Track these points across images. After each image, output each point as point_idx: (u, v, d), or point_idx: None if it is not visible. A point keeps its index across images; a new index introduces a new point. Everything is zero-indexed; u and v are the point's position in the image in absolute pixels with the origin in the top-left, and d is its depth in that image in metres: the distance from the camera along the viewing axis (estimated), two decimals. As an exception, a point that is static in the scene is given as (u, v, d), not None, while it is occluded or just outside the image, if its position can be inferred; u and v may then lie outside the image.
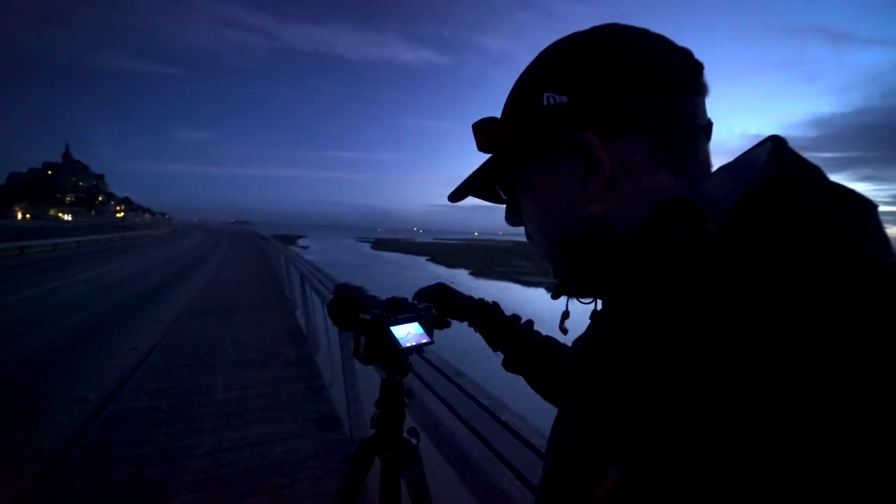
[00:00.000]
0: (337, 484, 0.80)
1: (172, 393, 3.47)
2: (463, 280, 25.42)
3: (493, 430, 0.94)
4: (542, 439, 0.89)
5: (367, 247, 61.11)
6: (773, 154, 0.33)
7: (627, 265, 0.33)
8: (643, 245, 0.32)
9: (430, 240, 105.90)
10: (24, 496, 2.15)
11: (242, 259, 16.06)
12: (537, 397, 0.68)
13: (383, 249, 54.76)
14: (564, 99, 0.36)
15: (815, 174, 0.31)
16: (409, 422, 0.75)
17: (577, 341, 0.44)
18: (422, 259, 40.52)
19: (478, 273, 27.96)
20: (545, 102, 0.37)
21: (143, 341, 4.97)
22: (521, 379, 0.69)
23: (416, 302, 0.70)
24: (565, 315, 0.47)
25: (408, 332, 0.66)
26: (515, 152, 0.40)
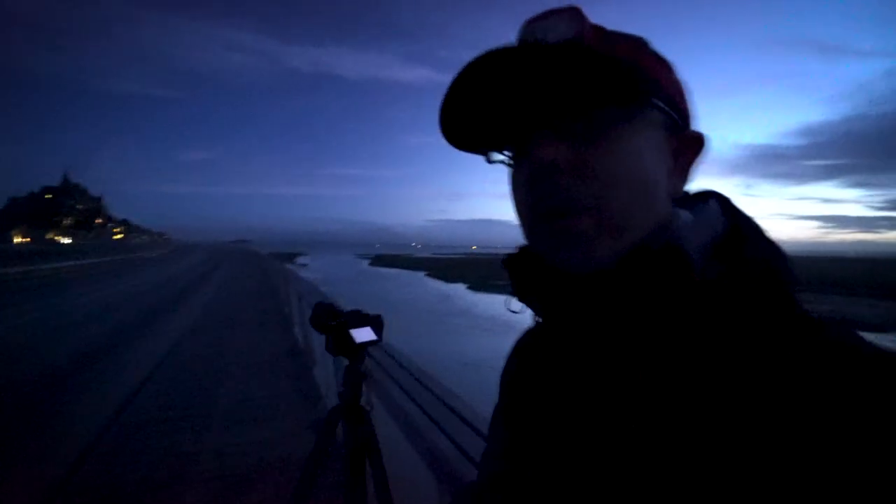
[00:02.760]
0: (329, 479, 1.11)
1: (179, 402, 3.75)
2: (461, 295, 25.59)
3: (438, 407, 1.25)
4: (473, 414, 1.20)
5: (365, 263, 61.39)
6: (723, 209, 0.37)
7: (628, 295, 0.33)
8: (642, 276, 0.32)
9: (428, 255, 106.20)
10: (54, 490, 2.43)
11: (240, 277, 16.32)
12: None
13: (382, 265, 55.04)
14: (681, 89, 0.38)
15: (757, 230, 0.36)
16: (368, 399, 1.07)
17: (527, 353, 0.45)
18: (420, 274, 40.77)
19: (476, 287, 28.01)
20: (673, 78, 0.37)
21: (146, 359, 5.24)
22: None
23: (368, 313, 1.03)
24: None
25: (361, 333, 0.99)
26: (650, 86, 0.34)
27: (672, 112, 0.36)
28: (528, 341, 0.47)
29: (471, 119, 0.37)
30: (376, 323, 1.05)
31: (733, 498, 0.26)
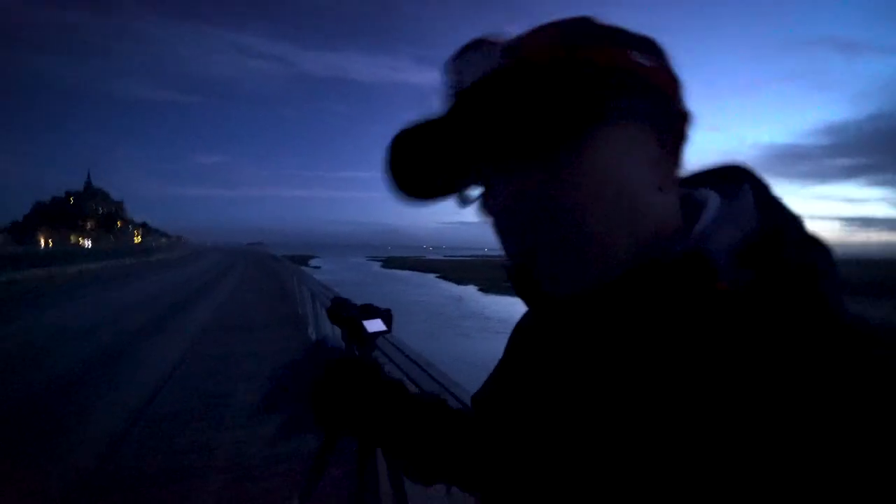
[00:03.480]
0: (339, 470, 1.22)
1: (199, 398, 3.93)
2: (472, 296, 25.64)
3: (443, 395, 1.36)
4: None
5: (377, 265, 61.67)
6: (759, 202, 0.33)
7: (634, 300, 0.30)
8: (659, 286, 0.29)
9: (439, 257, 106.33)
10: (87, 477, 2.60)
11: (256, 278, 16.63)
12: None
13: (394, 267, 55.27)
14: (652, 64, 0.31)
15: (798, 228, 0.32)
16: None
17: (528, 336, 0.44)
18: (431, 276, 40.86)
19: (487, 289, 28.01)
20: (633, 58, 0.31)
21: (171, 354, 5.46)
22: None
23: (379, 307, 1.15)
24: None
25: (373, 324, 1.11)
26: (599, 95, 0.30)
27: (632, 100, 0.31)
28: (526, 323, 0.47)
29: (420, 179, 0.37)
30: (386, 316, 1.17)
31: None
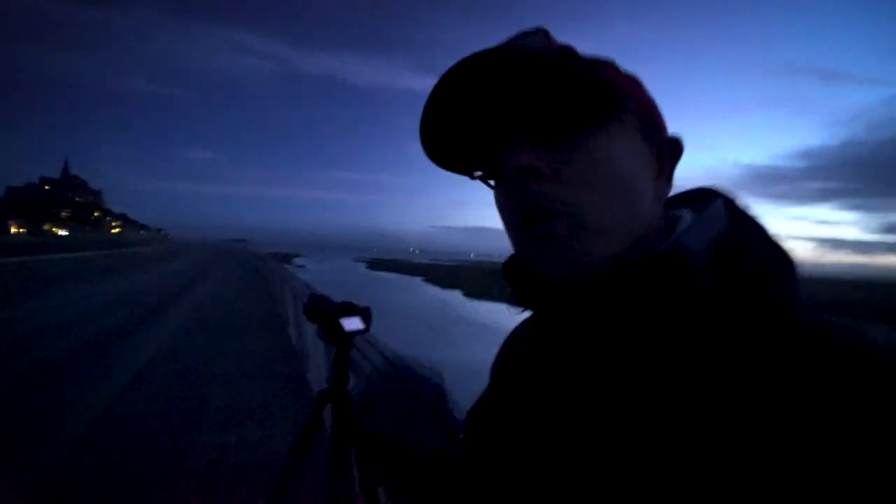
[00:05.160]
0: (320, 477, 1.17)
1: (174, 400, 3.79)
2: (457, 302, 25.57)
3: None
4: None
5: (363, 267, 61.33)
6: (728, 210, 0.37)
7: (621, 296, 0.33)
8: (640, 281, 0.32)
9: (426, 261, 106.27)
10: (55, 473, 2.46)
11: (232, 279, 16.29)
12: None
13: (379, 269, 55.03)
14: (651, 101, 0.38)
15: (761, 232, 0.35)
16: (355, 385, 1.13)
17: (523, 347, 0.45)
18: (417, 279, 40.78)
19: (472, 295, 27.97)
20: (642, 91, 0.38)
21: (142, 353, 5.27)
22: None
23: (358, 305, 1.10)
24: None
25: (350, 323, 1.06)
26: (610, 100, 0.35)
27: (645, 121, 0.37)
28: (524, 331, 0.48)
29: (451, 130, 0.38)
30: (365, 314, 1.12)
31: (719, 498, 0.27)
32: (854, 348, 0.27)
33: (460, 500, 0.47)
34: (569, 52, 0.36)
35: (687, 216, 0.38)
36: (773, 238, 0.35)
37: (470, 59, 0.34)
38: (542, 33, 0.36)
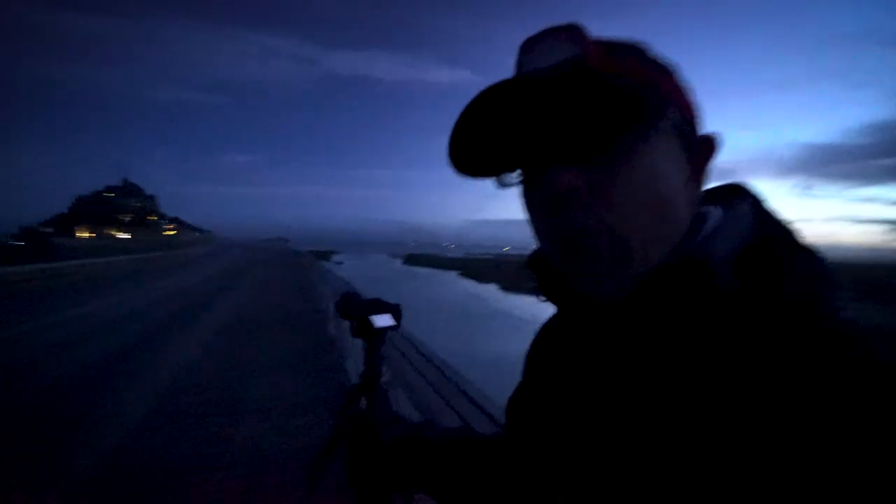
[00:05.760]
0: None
1: (218, 389, 4.01)
2: (493, 295, 25.55)
3: (452, 392, 1.31)
4: (491, 404, 1.25)
5: (398, 262, 62.32)
6: (755, 214, 0.36)
7: (653, 301, 0.33)
8: (664, 286, 0.32)
9: (460, 255, 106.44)
10: (114, 458, 2.67)
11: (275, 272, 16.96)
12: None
13: (415, 265, 55.67)
14: (689, 96, 0.37)
15: (789, 237, 0.35)
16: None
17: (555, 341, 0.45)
18: (453, 274, 40.98)
19: (508, 288, 27.85)
20: (678, 82, 0.36)
21: (193, 346, 5.59)
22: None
23: (388, 302, 1.10)
24: None
25: (381, 319, 1.06)
26: (660, 101, 0.33)
27: (680, 117, 0.35)
28: (554, 327, 0.48)
29: (479, 152, 0.36)
30: (395, 311, 1.11)
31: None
32: (869, 361, 0.27)
33: (508, 483, 0.48)
34: (600, 52, 0.33)
35: (713, 216, 0.37)
36: (803, 243, 0.35)
37: (492, 90, 0.33)
38: (572, 31, 0.33)
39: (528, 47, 0.34)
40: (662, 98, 0.34)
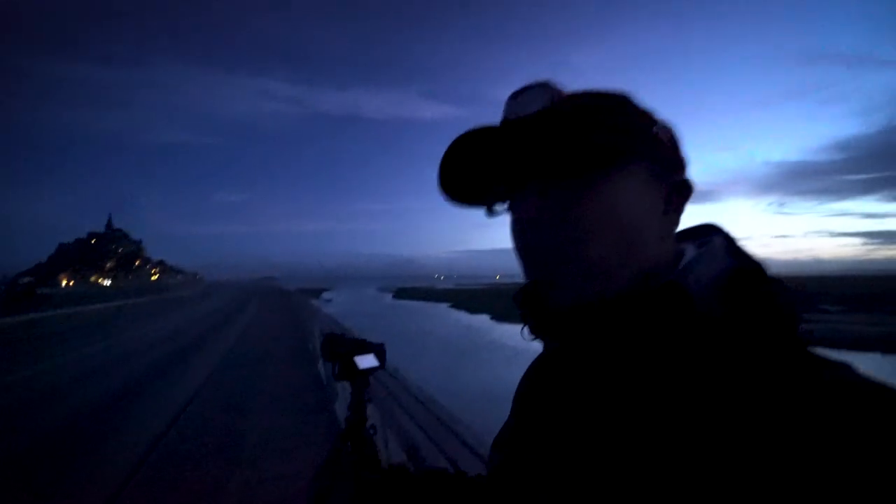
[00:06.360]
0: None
1: (214, 432, 3.89)
2: (484, 326, 25.26)
3: (442, 433, 1.32)
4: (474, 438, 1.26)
5: (389, 297, 61.56)
6: (727, 247, 0.39)
7: (630, 325, 0.35)
8: (645, 310, 0.35)
9: (450, 286, 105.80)
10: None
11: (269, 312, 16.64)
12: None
13: (405, 298, 55.08)
14: (667, 139, 0.40)
15: (759, 268, 0.37)
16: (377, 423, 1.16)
17: (538, 376, 0.47)
18: (443, 305, 40.54)
19: (500, 318, 27.59)
20: (654, 131, 0.39)
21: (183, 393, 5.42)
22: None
23: (372, 342, 1.14)
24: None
25: (365, 360, 1.09)
26: (622, 144, 0.37)
27: (656, 162, 0.38)
28: (540, 363, 0.50)
29: (460, 180, 0.43)
30: (379, 351, 1.16)
31: None
32: (840, 386, 0.29)
33: None
34: (570, 102, 0.38)
35: (691, 249, 0.40)
36: (771, 274, 0.38)
37: (474, 130, 0.39)
38: (544, 87, 0.39)
39: (511, 99, 0.40)
40: (629, 143, 0.37)
